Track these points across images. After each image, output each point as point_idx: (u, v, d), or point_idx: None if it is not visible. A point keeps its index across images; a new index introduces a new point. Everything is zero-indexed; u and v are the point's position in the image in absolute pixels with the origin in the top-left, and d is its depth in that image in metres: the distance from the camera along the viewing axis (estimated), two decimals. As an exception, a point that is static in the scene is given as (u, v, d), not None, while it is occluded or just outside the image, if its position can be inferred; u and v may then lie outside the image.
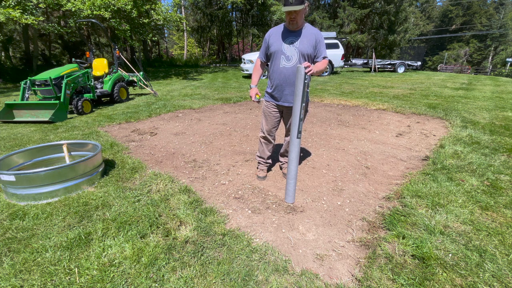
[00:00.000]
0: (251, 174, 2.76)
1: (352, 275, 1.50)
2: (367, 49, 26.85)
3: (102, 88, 6.83)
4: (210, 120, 5.00)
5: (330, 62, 13.25)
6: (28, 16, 9.78)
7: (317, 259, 1.62)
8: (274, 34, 2.26)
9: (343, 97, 6.95)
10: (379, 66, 15.77)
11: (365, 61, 16.45)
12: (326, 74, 13.33)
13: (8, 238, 1.78)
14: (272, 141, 2.60)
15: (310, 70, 1.96)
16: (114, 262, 1.55)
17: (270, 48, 2.28)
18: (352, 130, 4.21)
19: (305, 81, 1.95)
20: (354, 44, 23.80)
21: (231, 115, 5.41)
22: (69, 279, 1.45)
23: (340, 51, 13.31)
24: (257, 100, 2.40)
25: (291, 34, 2.19)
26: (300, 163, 3.02)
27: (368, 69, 16.51)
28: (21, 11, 9.63)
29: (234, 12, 26.64)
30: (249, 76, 13.25)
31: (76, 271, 1.50)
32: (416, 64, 16.32)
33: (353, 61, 16.82)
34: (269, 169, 2.85)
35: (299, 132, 2.06)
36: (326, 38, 13.43)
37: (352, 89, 8.52)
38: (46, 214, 2.02)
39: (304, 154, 3.28)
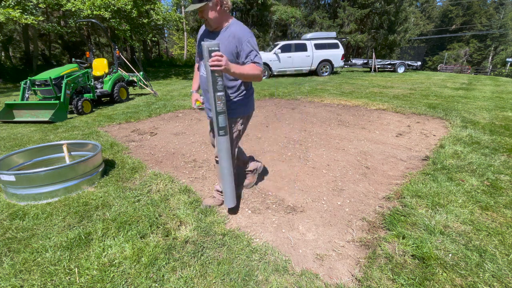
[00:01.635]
0: (251, 174, 2.76)
1: (352, 275, 1.50)
2: (367, 49, 26.86)
3: (102, 88, 6.83)
4: (210, 120, 4.99)
5: (330, 62, 13.25)
6: (28, 16, 9.79)
7: (317, 259, 1.62)
8: (200, 35, 1.89)
9: (343, 97, 6.95)
10: (379, 66, 15.76)
11: (365, 61, 16.45)
12: (326, 74, 13.34)
13: (8, 238, 1.78)
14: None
15: (217, 65, 1.48)
16: (114, 262, 1.55)
17: (197, 51, 1.96)
18: (352, 130, 4.21)
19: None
20: (354, 44, 23.81)
21: (231, 115, 5.41)
22: (69, 279, 1.45)
23: (340, 51, 13.31)
24: (197, 107, 2.11)
25: (210, 37, 1.79)
26: (300, 163, 3.02)
27: (368, 69, 16.50)
28: (21, 11, 9.63)
29: (234, 12, 26.66)
30: (249, 76, 13.26)
31: (76, 271, 1.50)
32: (416, 64, 16.32)
33: (353, 61, 16.82)
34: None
35: (220, 128, 1.75)
36: (326, 38, 13.42)
37: (352, 89, 8.52)
38: (46, 214, 2.02)
39: (304, 154, 3.28)
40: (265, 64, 12.48)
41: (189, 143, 3.76)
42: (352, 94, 7.46)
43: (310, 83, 10.13)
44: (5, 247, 1.69)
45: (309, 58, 12.90)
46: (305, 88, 8.75)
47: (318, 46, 12.93)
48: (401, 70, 15.68)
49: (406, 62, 16.06)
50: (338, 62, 13.43)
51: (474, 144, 3.35)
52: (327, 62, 13.19)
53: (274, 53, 12.57)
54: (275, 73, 12.94)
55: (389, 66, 15.93)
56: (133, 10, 11.24)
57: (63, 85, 5.31)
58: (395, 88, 8.62)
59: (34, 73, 10.88)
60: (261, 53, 13.28)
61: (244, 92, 1.91)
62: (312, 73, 13.53)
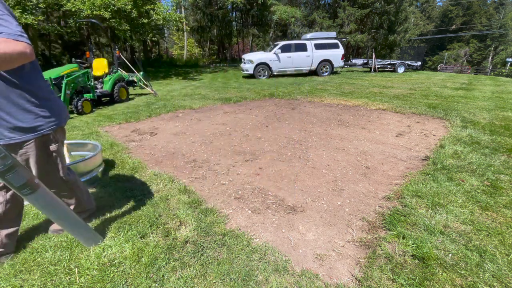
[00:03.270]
0: (251, 174, 2.76)
1: (352, 275, 1.50)
2: (367, 49, 26.87)
3: (102, 88, 6.84)
4: (210, 120, 5.00)
5: (330, 62, 13.19)
6: (27, 16, 9.78)
7: (317, 259, 1.62)
8: None
9: (343, 97, 6.95)
10: (379, 66, 15.74)
11: (365, 61, 16.41)
12: (326, 74, 13.32)
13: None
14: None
15: None
16: (114, 262, 1.55)
17: None
18: (352, 130, 4.21)
19: None
20: (354, 44, 23.81)
21: (231, 115, 5.41)
22: (69, 279, 1.45)
23: (340, 51, 13.28)
24: None
25: None
26: (300, 163, 3.02)
27: (368, 69, 16.48)
28: (21, 10, 9.63)
29: (234, 12, 26.67)
30: (249, 76, 13.27)
31: (76, 271, 1.50)
32: (416, 64, 16.29)
33: (353, 61, 16.78)
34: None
35: (21, 187, 1.26)
36: (326, 38, 13.40)
37: (352, 89, 8.52)
38: (46, 214, 2.02)
39: (304, 154, 3.28)
40: (265, 64, 12.45)
41: (189, 143, 3.76)
42: (352, 94, 7.46)
43: (310, 83, 10.13)
44: (5, 247, 1.69)
45: (309, 58, 12.84)
46: (305, 88, 8.74)
47: (318, 46, 12.88)
48: (401, 70, 15.62)
49: (406, 62, 16.02)
50: (338, 62, 13.39)
51: (474, 144, 3.35)
52: (327, 62, 13.13)
53: (274, 53, 12.48)
54: (275, 73, 12.86)
55: (389, 66, 15.88)
56: (133, 10, 11.25)
57: (63, 85, 5.32)
58: (395, 88, 8.61)
59: (34, 73, 10.86)
60: (261, 53, 13.17)
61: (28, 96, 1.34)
62: (312, 73, 13.49)
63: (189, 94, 8.16)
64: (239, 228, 1.88)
